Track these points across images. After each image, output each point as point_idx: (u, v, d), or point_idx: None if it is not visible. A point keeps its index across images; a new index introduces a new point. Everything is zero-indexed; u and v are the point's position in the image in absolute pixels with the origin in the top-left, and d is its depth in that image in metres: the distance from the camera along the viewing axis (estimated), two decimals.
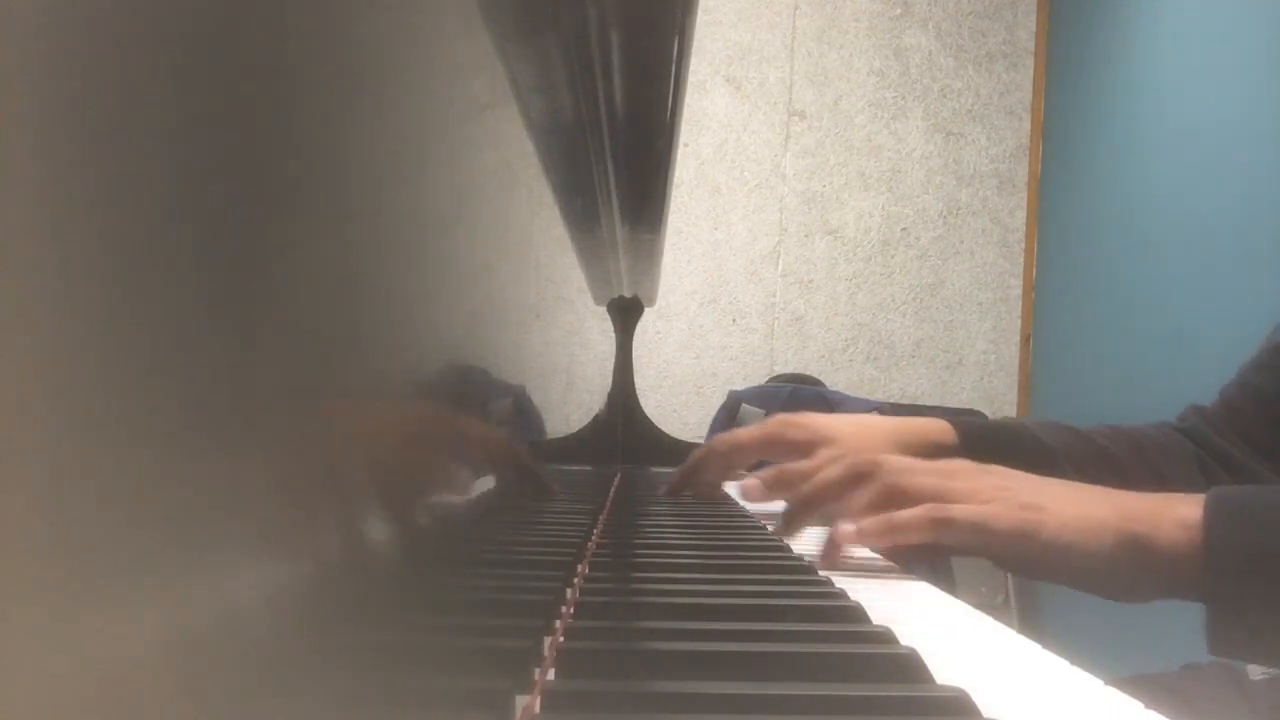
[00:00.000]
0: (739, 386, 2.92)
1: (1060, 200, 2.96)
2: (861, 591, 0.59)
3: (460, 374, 0.33)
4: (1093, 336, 2.66)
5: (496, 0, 0.36)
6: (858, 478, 0.72)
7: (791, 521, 0.78)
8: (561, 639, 0.46)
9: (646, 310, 1.43)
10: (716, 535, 0.84)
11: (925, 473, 0.69)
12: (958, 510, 0.66)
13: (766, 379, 3.00)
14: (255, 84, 0.16)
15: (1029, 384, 3.05)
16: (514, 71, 0.41)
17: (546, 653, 0.44)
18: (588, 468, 0.95)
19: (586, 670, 0.42)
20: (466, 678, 0.31)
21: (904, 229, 3.09)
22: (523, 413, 0.48)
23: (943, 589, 0.67)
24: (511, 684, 0.37)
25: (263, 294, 0.16)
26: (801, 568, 0.69)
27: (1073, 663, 0.47)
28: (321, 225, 0.19)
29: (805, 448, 0.86)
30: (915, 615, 0.57)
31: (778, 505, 0.86)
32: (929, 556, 0.73)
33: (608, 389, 1.29)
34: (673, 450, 1.44)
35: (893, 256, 3.09)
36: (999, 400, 3.08)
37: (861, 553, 0.77)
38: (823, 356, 3.07)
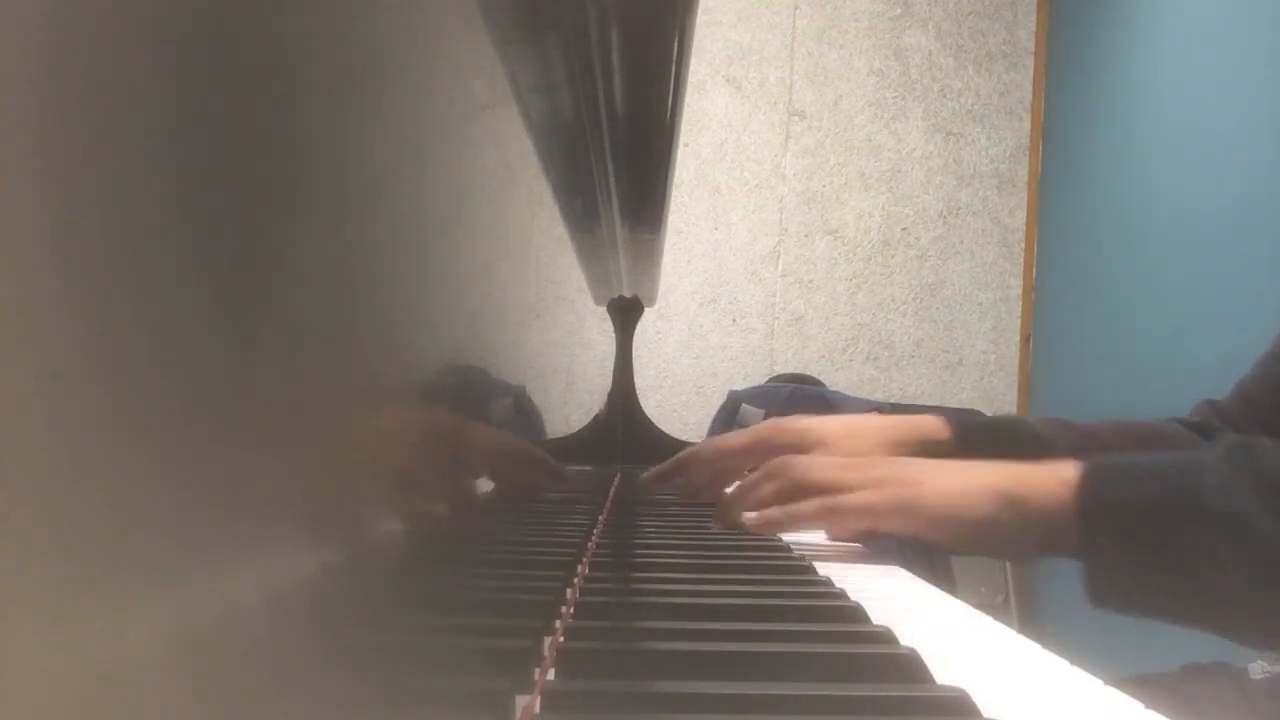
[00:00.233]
0: (739, 386, 2.92)
1: (1060, 200, 2.96)
2: (862, 591, 0.59)
3: (460, 374, 0.33)
4: (1093, 336, 2.66)
5: (496, 0, 0.36)
6: (770, 477, 0.81)
7: (719, 517, 0.87)
8: (561, 639, 0.46)
9: (646, 310, 1.43)
10: (716, 535, 0.84)
11: (826, 468, 0.78)
12: (845, 499, 0.74)
13: (766, 379, 3.00)
14: (256, 84, 0.16)
15: (1029, 384, 3.05)
16: (514, 71, 0.41)
17: (546, 653, 0.44)
18: (588, 468, 0.95)
19: (586, 670, 0.42)
20: (466, 678, 0.31)
21: (904, 229, 3.09)
22: (523, 413, 0.48)
23: (943, 589, 0.67)
24: (511, 684, 0.37)
25: (263, 294, 0.16)
26: (801, 568, 0.69)
27: (1073, 663, 0.47)
28: (322, 225, 0.19)
29: (794, 451, 0.88)
30: (915, 615, 0.57)
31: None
32: (872, 539, 0.82)
33: (608, 389, 1.29)
34: (672, 450, 1.44)
35: (893, 256, 3.09)
36: (999, 400, 3.07)
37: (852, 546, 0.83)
38: (823, 356, 3.07)
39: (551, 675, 0.41)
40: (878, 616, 0.52)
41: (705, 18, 2.86)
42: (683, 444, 1.47)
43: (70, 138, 0.10)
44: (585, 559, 0.68)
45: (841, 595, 0.57)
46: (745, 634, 0.48)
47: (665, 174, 0.76)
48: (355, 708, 0.20)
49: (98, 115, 0.11)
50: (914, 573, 0.73)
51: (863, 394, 2.97)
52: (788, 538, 0.83)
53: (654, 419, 1.44)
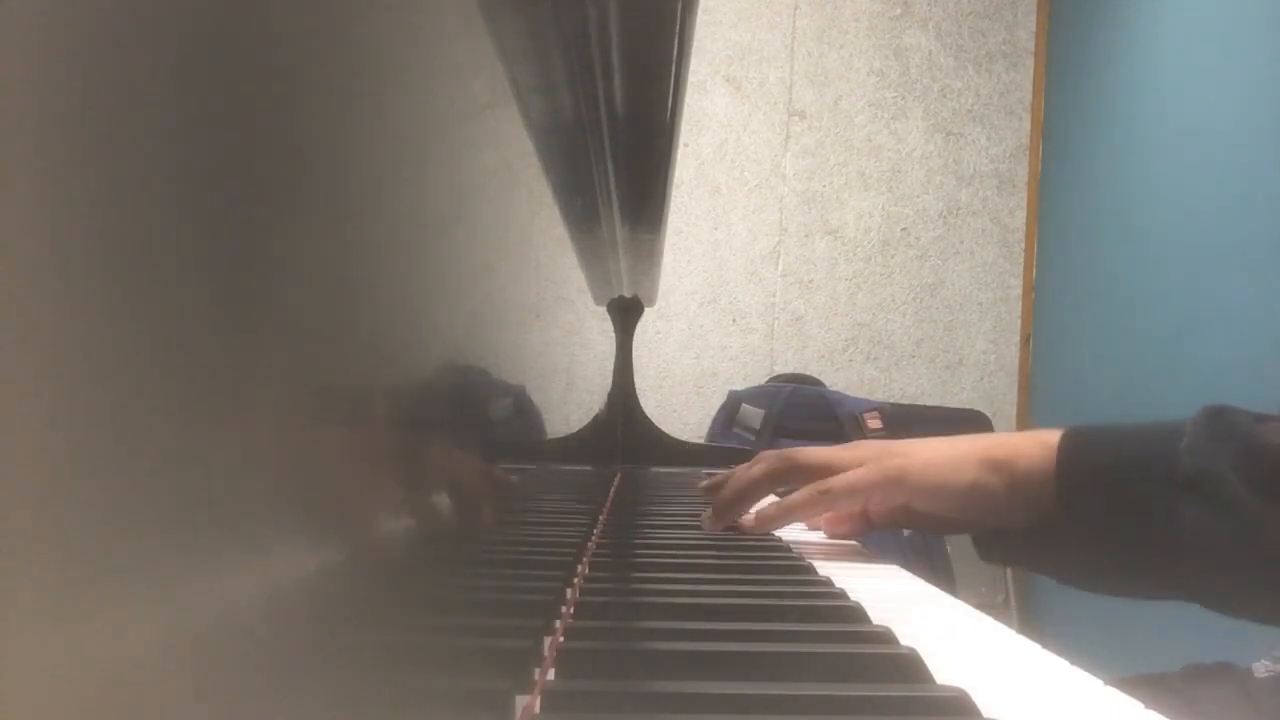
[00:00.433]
0: (739, 386, 2.92)
1: (1060, 200, 2.96)
2: (863, 591, 0.59)
3: (460, 374, 0.33)
4: (1093, 336, 2.66)
5: (496, 0, 0.36)
6: (760, 459, 0.82)
7: (717, 516, 0.86)
8: (561, 639, 0.46)
9: (646, 310, 1.43)
10: (716, 535, 0.84)
11: (815, 449, 0.79)
12: (834, 480, 0.74)
13: (766, 379, 3.00)
14: (256, 84, 0.16)
15: (1029, 384, 3.05)
16: (514, 71, 0.41)
17: (546, 653, 0.44)
18: (588, 468, 0.95)
19: (586, 670, 0.42)
20: (466, 678, 0.31)
21: (904, 229, 3.09)
22: (523, 413, 0.48)
23: (943, 589, 0.67)
24: (511, 684, 0.37)
25: (263, 294, 0.16)
26: (801, 568, 0.69)
27: (1073, 663, 0.47)
28: (322, 225, 0.19)
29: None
30: (915, 615, 0.57)
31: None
32: (867, 530, 0.83)
33: (608, 389, 1.29)
34: (673, 450, 1.44)
35: (893, 256, 3.09)
36: (999, 400, 3.07)
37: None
38: (823, 356, 3.07)
39: (551, 675, 0.41)
40: (878, 616, 0.52)
41: (705, 18, 2.86)
42: (683, 444, 1.47)
43: (70, 138, 0.10)
44: (585, 559, 0.68)
45: (841, 595, 0.57)
46: (745, 634, 0.48)
47: (665, 174, 0.76)
48: (355, 708, 0.20)
49: (98, 115, 0.11)
50: (914, 572, 0.73)
51: (863, 394, 2.97)
52: (788, 538, 0.83)
53: (654, 419, 1.44)
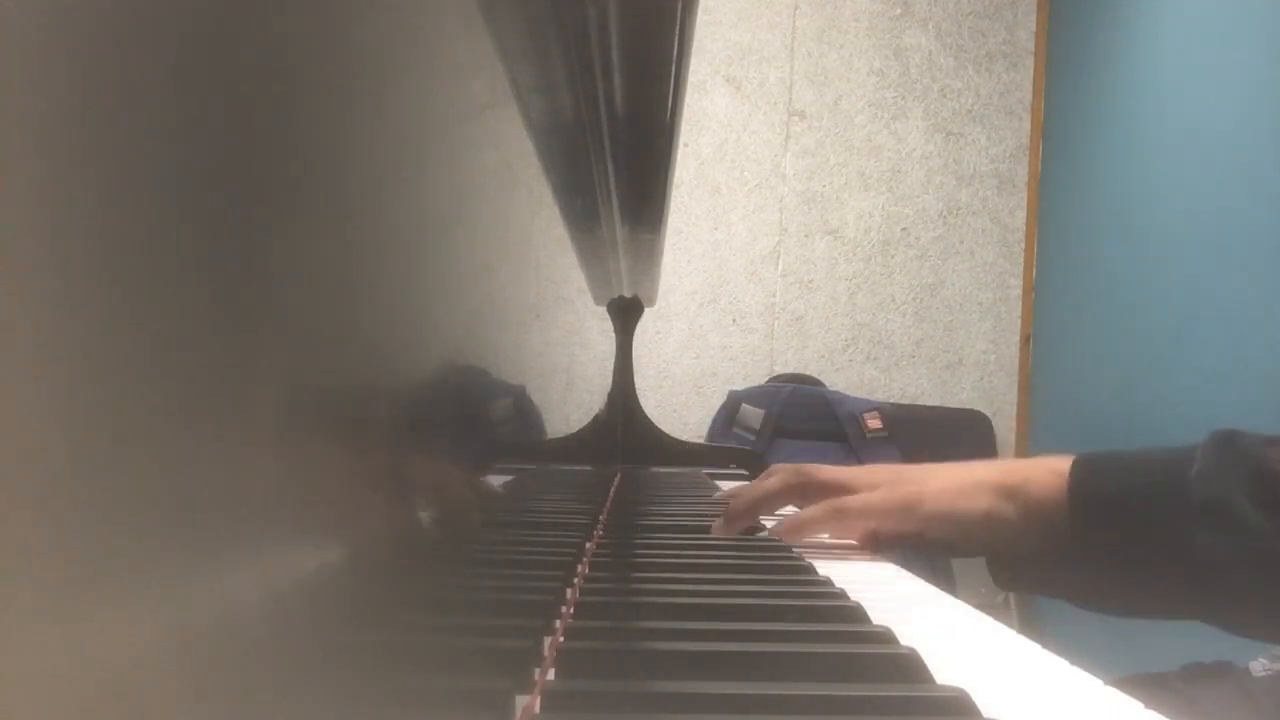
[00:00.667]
0: (739, 386, 2.92)
1: (1060, 200, 2.96)
2: (863, 590, 0.59)
3: (460, 374, 0.33)
4: (1093, 336, 2.66)
5: (496, 0, 0.36)
6: (775, 472, 0.84)
7: (728, 523, 0.86)
8: (561, 639, 0.46)
9: (646, 310, 1.43)
10: (716, 535, 0.84)
11: (832, 467, 0.81)
12: (850, 501, 0.75)
13: (766, 379, 3.00)
14: (256, 84, 0.16)
15: (1029, 384, 3.05)
16: (514, 71, 0.41)
17: (546, 653, 0.44)
18: (588, 468, 0.95)
19: (586, 670, 0.42)
20: (466, 678, 0.31)
21: (904, 229, 3.09)
22: (523, 413, 0.48)
23: (943, 589, 0.67)
24: (511, 684, 0.37)
25: (263, 294, 0.16)
26: (801, 568, 0.69)
27: (1073, 663, 0.47)
28: (322, 225, 0.19)
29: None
30: (915, 615, 0.57)
31: (783, 511, 0.86)
32: (877, 544, 0.82)
33: (608, 389, 1.29)
34: (673, 450, 1.44)
35: (893, 256, 3.09)
36: (999, 400, 3.07)
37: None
38: (823, 356, 3.07)
39: (551, 675, 0.41)
40: (878, 616, 0.52)
41: (705, 18, 2.86)
42: (683, 444, 1.47)
43: (70, 138, 0.10)
44: (585, 559, 0.68)
45: (841, 595, 0.57)
46: (745, 634, 0.48)
47: (665, 174, 0.76)
48: (355, 708, 0.20)
49: (98, 115, 0.11)
50: (914, 573, 0.73)
51: (863, 394, 2.97)
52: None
53: (654, 419, 1.44)
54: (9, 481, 0.10)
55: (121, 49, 0.11)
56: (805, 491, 0.82)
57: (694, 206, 3.03)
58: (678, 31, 0.53)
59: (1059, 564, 0.70)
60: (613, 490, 1.12)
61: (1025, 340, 3.07)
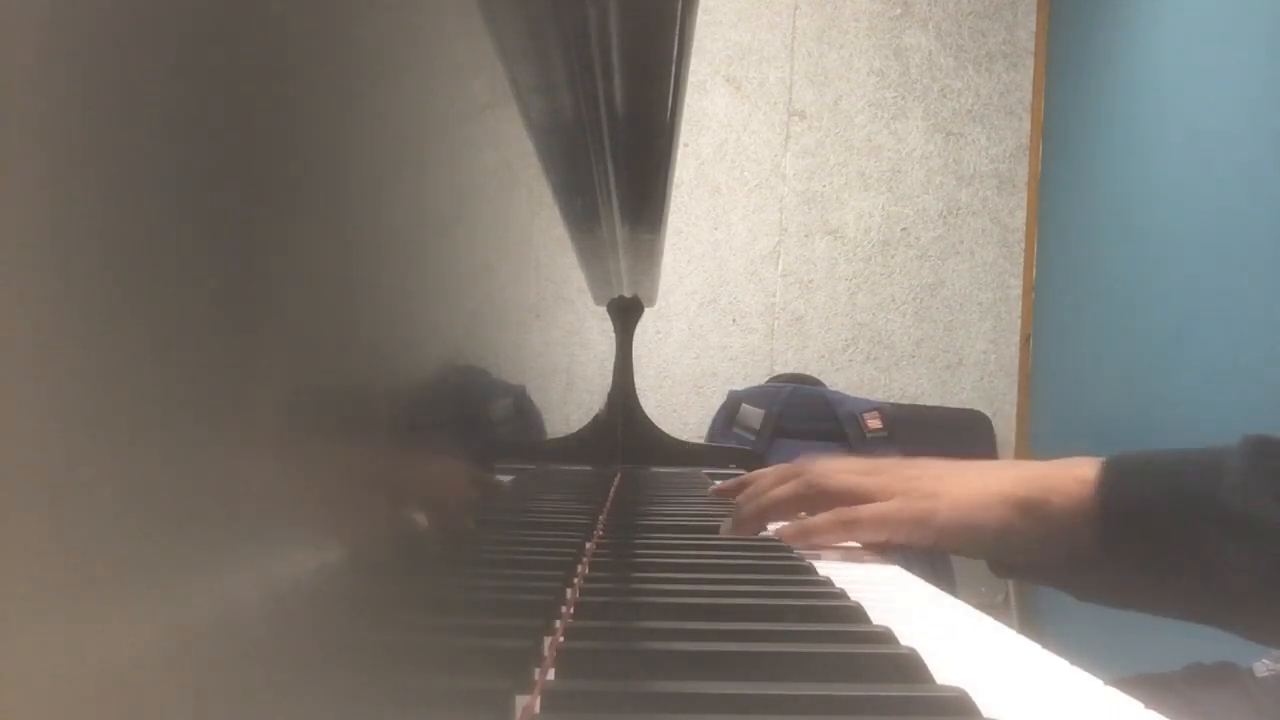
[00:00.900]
0: (739, 386, 2.92)
1: (1060, 200, 2.96)
2: (862, 591, 0.59)
3: (460, 374, 0.33)
4: (1093, 336, 2.66)
5: (496, 0, 0.36)
6: (784, 479, 0.81)
7: (737, 526, 0.84)
8: (561, 639, 0.46)
9: (646, 310, 1.43)
10: (716, 535, 0.84)
11: (843, 472, 0.78)
12: (862, 512, 0.73)
13: (766, 379, 3.00)
14: (255, 84, 0.16)
15: (1029, 384, 3.05)
16: (514, 71, 0.41)
17: (546, 653, 0.44)
18: (588, 468, 0.95)
19: (586, 670, 0.42)
20: (466, 678, 0.31)
21: (904, 229, 3.09)
22: (523, 413, 0.48)
23: (943, 589, 0.67)
24: (511, 684, 0.37)
25: (263, 294, 0.16)
26: (801, 568, 0.69)
27: (1073, 663, 0.47)
28: (322, 225, 0.19)
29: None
30: (915, 615, 0.57)
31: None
32: (887, 548, 0.81)
33: (608, 389, 1.29)
34: (673, 450, 1.44)
35: (893, 256, 3.09)
36: (999, 400, 3.07)
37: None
38: (823, 356, 3.07)
39: (551, 675, 0.41)
40: (878, 616, 0.52)
41: (705, 18, 2.86)
42: (683, 444, 1.47)
43: (70, 138, 0.10)
44: (585, 559, 0.68)
45: (841, 595, 0.57)
46: (745, 634, 0.48)
47: (665, 174, 0.76)
48: (355, 708, 0.20)
49: (98, 115, 0.11)
50: (914, 573, 0.73)
51: (863, 394, 2.97)
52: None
53: (654, 419, 1.44)
54: (9, 481, 0.10)
55: (121, 49, 0.11)
56: (816, 502, 0.80)
57: (694, 206, 3.03)
58: (678, 31, 0.53)
59: (1071, 567, 0.68)
60: (613, 490, 1.12)
61: (1025, 340, 3.07)
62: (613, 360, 1.36)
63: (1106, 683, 0.44)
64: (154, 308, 0.12)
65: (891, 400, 2.98)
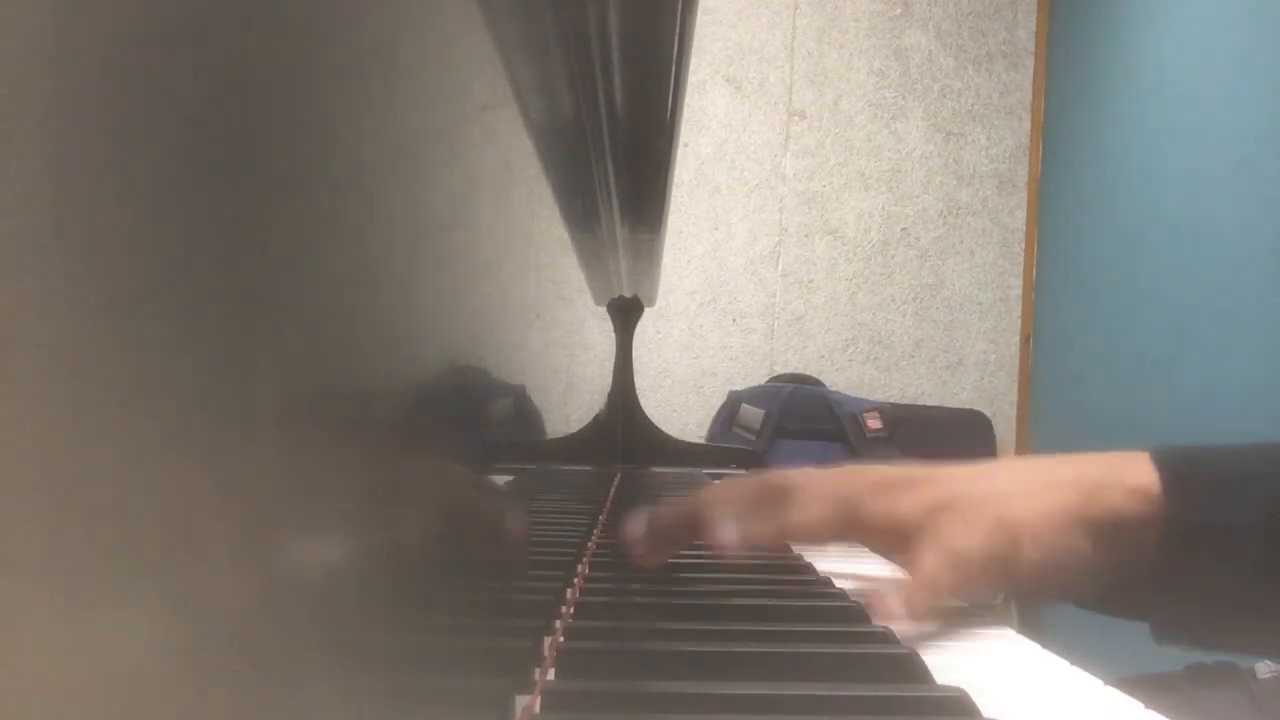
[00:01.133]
0: (739, 386, 2.92)
1: (1060, 200, 2.96)
2: (863, 590, 0.58)
3: (460, 374, 0.33)
4: (1093, 336, 2.66)
5: (496, 0, 0.36)
6: (775, 501, 0.61)
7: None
8: (561, 639, 0.46)
9: (646, 310, 1.43)
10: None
11: (882, 515, 0.58)
12: (943, 579, 0.55)
13: (766, 379, 3.00)
14: (255, 84, 0.16)
15: (1029, 384, 3.05)
16: (514, 71, 0.41)
17: (546, 653, 0.44)
18: (588, 468, 0.95)
19: (586, 670, 0.42)
20: (466, 678, 0.31)
21: (904, 229, 3.09)
22: (523, 413, 0.48)
23: None
24: (511, 684, 0.37)
25: (264, 294, 0.16)
26: (801, 568, 0.69)
27: (1073, 663, 0.47)
28: (322, 226, 0.19)
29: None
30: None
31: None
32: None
33: (608, 389, 1.29)
34: (673, 450, 1.44)
35: (893, 256, 3.09)
36: (999, 400, 3.08)
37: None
38: (823, 356, 3.07)
39: (551, 675, 0.41)
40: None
41: (705, 18, 2.86)
42: (683, 444, 1.47)
43: (71, 137, 0.10)
44: (585, 559, 0.68)
45: (841, 595, 0.57)
46: (745, 634, 0.48)
47: (665, 174, 0.76)
48: (355, 708, 0.20)
49: (97, 115, 0.11)
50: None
51: (863, 394, 2.97)
52: None
53: (654, 419, 1.44)
54: (9, 481, 0.10)
55: (121, 49, 0.11)
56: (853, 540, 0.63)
57: (694, 206, 3.03)
58: (678, 31, 0.53)
59: (1141, 597, 0.58)
60: (613, 490, 1.12)
61: (1025, 340, 3.07)
62: (613, 360, 1.36)
63: (1106, 683, 0.44)
64: (154, 308, 0.12)
65: (891, 400, 2.98)
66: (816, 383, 2.97)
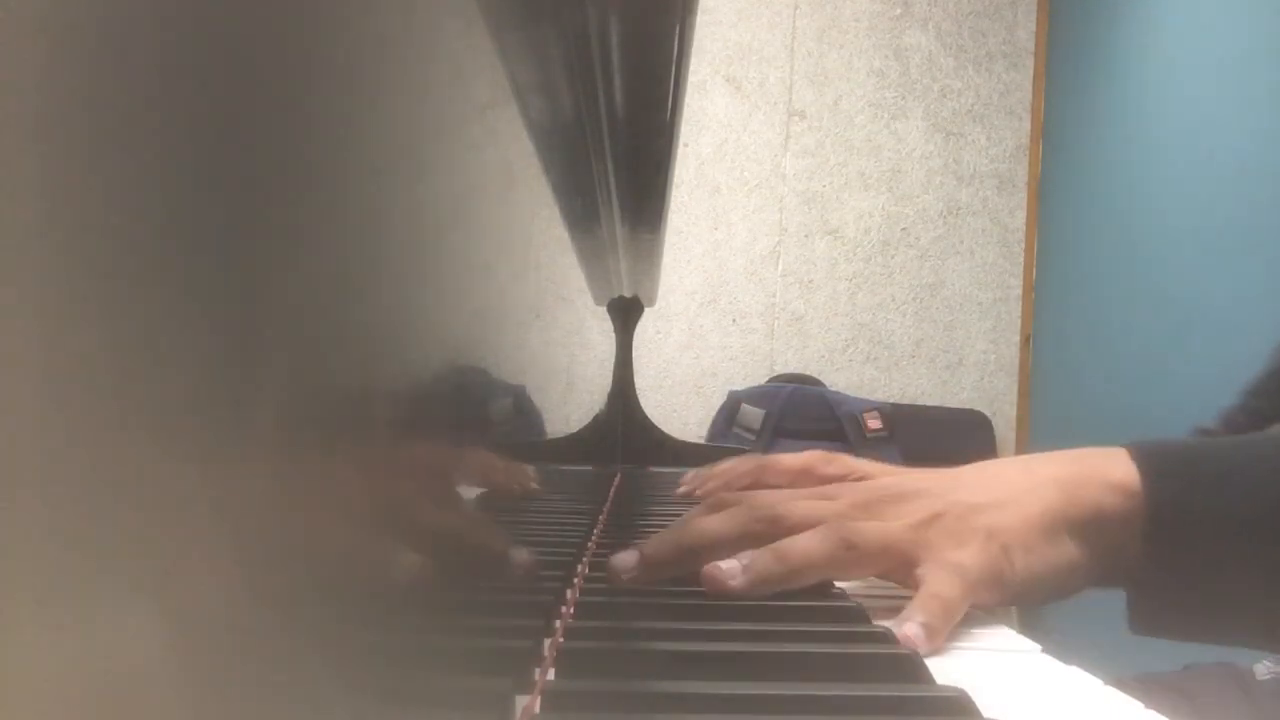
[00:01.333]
0: (739, 386, 2.92)
1: (1060, 200, 2.96)
2: (863, 590, 0.59)
3: (460, 374, 0.33)
4: (1093, 336, 2.66)
5: (496, 0, 0.36)
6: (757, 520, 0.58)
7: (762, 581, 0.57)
8: (561, 639, 0.46)
9: (646, 310, 1.43)
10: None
11: (876, 534, 0.56)
12: (953, 601, 0.53)
13: (766, 379, 3.00)
14: (255, 84, 0.16)
15: (1029, 384, 3.05)
16: (514, 71, 0.41)
17: (546, 653, 0.44)
18: (588, 468, 0.95)
19: (586, 670, 0.42)
20: (466, 678, 0.31)
21: (904, 229, 3.09)
22: (523, 413, 0.48)
23: None
24: (511, 684, 0.37)
25: (263, 295, 0.16)
26: None
27: (1073, 663, 0.47)
28: (322, 226, 0.19)
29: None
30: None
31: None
32: None
33: (608, 389, 1.29)
34: (673, 450, 1.44)
35: (893, 256, 3.09)
36: (999, 400, 3.08)
37: None
38: (823, 356, 3.07)
39: (551, 675, 0.41)
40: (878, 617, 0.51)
41: (705, 18, 2.86)
42: (683, 444, 1.47)
43: (71, 138, 0.10)
44: (585, 559, 0.68)
45: (841, 595, 0.57)
46: (745, 634, 0.48)
47: (665, 174, 0.76)
48: (355, 707, 0.20)
49: (99, 116, 0.11)
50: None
51: (863, 394, 2.97)
52: None
53: (654, 419, 1.44)
54: (9, 481, 0.10)
55: (121, 49, 0.11)
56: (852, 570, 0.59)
57: (694, 206, 3.03)
58: (678, 31, 0.53)
59: (1103, 580, 0.59)
60: (613, 490, 1.12)
61: (1025, 340, 3.07)
62: (613, 360, 1.36)
63: (1106, 682, 0.44)
64: (154, 308, 0.12)
65: (891, 400, 2.98)
66: (816, 383, 2.97)
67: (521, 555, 0.43)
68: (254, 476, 0.15)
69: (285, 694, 0.17)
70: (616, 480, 1.23)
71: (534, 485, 0.52)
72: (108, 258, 0.11)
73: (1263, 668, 0.87)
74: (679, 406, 3.00)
